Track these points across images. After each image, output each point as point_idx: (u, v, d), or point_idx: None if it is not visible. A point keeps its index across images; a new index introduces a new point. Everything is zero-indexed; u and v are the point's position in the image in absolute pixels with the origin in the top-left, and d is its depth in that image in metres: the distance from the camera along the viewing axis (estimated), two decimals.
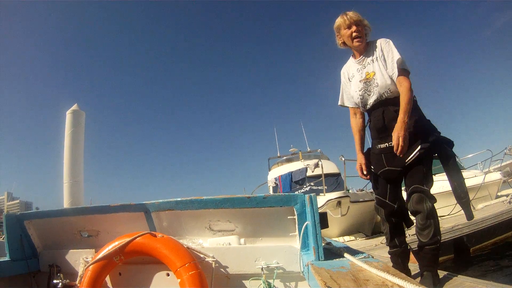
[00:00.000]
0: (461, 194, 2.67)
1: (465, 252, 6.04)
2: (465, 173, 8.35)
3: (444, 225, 5.89)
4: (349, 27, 2.70)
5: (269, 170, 13.66)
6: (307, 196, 1.85)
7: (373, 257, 1.83)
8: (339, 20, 2.76)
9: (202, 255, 2.06)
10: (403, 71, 2.53)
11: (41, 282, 2.47)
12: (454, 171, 2.70)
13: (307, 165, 10.12)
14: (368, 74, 2.69)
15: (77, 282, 2.21)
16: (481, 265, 5.79)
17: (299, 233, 1.91)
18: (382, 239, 6.89)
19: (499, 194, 9.55)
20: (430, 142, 2.54)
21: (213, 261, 2.04)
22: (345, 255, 1.84)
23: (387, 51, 2.60)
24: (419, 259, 2.72)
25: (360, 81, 2.73)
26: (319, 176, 8.95)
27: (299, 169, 10.57)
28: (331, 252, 2.02)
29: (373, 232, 9.66)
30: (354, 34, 2.69)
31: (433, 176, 2.68)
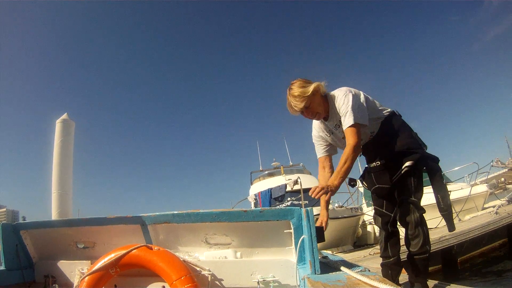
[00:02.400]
0: (444, 207, 2.65)
1: (452, 263, 6.02)
2: (452, 186, 8.38)
3: (432, 236, 5.85)
4: (301, 113, 2.58)
5: (251, 184, 13.52)
6: (303, 210, 1.81)
7: (369, 270, 1.79)
8: (290, 110, 2.61)
9: (198, 268, 2.00)
10: (351, 127, 2.43)
11: None
12: (438, 184, 2.67)
13: (289, 179, 10.03)
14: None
15: None
16: (468, 274, 5.78)
17: (296, 247, 1.86)
18: (370, 250, 6.87)
19: (485, 206, 9.56)
20: (414, 160, 2.52)
21: (209, 274, 1.98)
22: (342, 268, 1.79)
23: (342, 114, 2.49)
24: (409, 269, 2.69)
25: (343, 138, 2.65)
26: (299, 192, 8.91)
27: (279, 186, 10.53)
28: (328, 266, 1.97)
29: (357, 246, 9.67)
30: (310, 117, 2.63)
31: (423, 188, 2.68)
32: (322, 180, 2.82)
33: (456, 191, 8.84)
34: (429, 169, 2.66)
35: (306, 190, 9.39)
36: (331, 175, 2.73)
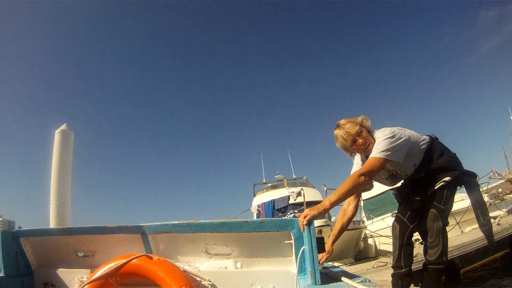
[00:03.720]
0: (484, 222, 2.66)
1: (455, 274, 5.98)
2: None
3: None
4: (353, 141, 2.54)
5: (254, 196, 13.48)
6: None
7: (370, 281, 1.76)
8: (340, 140, 2.58)
9: (198, 279, 1.97)
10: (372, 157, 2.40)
11: None
12: (477, 200, 2.68)
13: (292, 192, 9.89)
14: (390, 172, 2.69)
15: None
16: (471, 286, 5.73)
17: (296, 258, 1.83)
18: (374, 263, 6.82)
19: None
20: (453, 176, 2.52)
21: (209, 284, 1.95)
22: (343, 279, 1.78)
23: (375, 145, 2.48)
24: (422, 278, 2.65)
25: (386, 179, 2.74)
26: (302, 204, 8.85)
27: (282, 197, 10.49)
28: (328, 277, 1.95)
29: (358, 259, 9.61)
30: (362, 146, 2.55)
31: None
32: (343, 213, 2.78)
33: (457, 202, 8.79)
34: (467, 185, 2.65)
35: (309, 203, 9.43)
36: (354, 212, 2.79)
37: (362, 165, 2.63)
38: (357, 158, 2.78)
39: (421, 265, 2.65)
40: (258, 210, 10.74)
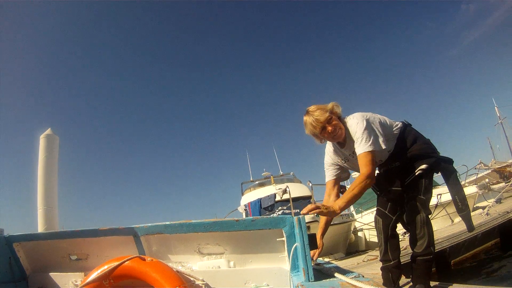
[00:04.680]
0: (462, 207, 2.63)
1: (446, 265, 6.00)
2: (441, 188, 8.42)
3: None
4: (323, 128, 2.44)
5: (242, 194, 13.35)
6: (295, 218, 1.77)
7: (363, 276, 1.75)
8: (309, 128, 2.48)
9: (192, 279, 1.96)
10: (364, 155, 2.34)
11: None
12: (454, 185, 2.66)
13: (279, 189, 9.77)
14: None
15: None
16: (462, 276, 5.75)
17: (289, 255, 1.82)
18: (364, 257, 6.83)
19: (475, 206, 9.59)
20: (429, 164, 2.50)
21: (203, 284, 1.94)
22: (336, 275, 1.76)
23: (355, 142, 2.40)
24: (412, 270, 2.62)
25: None
26: (289, 201, 8.81)
27: (268, 196, 10.35)
28: (321, 273, 1.94)
29: (348, 253, 9.60)
30: (332, 133, 2.46)
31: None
32: None
33: (446, 193, 8.85)
34: (444, 171, 2.64)
35: (296, 199, 9.38)
36: None
37: (338, 154, 2.65)
38: (329, 146, 2.72)
39: (409, 257, 2.63)
40: (245, 209, 10.64)
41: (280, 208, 9.48)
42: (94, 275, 1.95)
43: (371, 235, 10.33)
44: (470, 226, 2.75)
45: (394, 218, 2.70)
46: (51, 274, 2.28)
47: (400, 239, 2.85)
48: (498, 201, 9.49)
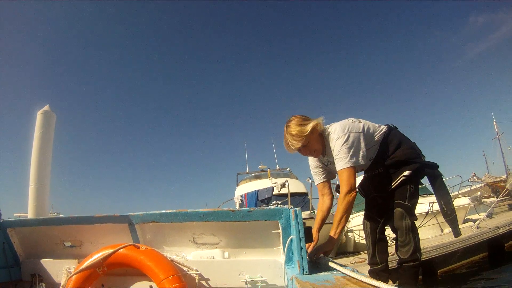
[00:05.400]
0: (448, 212, 2.59)
1: (432, 274, 6.00)
2: (433, 197, 8.43)
3: None
4: (299, 151, 2.46)
5: (237, 185, 13.21)
6: (292, 210, 1.75)
7: (358, 271, 1.74)
8: (285, 146, 2.49)
9: (185, 268, 1.94)
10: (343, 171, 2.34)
11: None
12: (440, 190, 2.61)
13: (275, 183, 9.66)
14: None
15: None
16: (448, 286, 5.75)
17: (284, 247, 1.80)
18: (352, 259, 6.81)
19: (466, 218, 9.60)
20: (412, 170, 2.45)
21: (196, 274, 1.92)
22: (330, 269, 1.75)
23: (334, 158, 2.40)
24: (398, 277, 2.59)
25: None
26: (286, 195, 8.71)
27: (266, 188, 10.17)
28: (316, 266, 1.92)
29: (337, 253, 9.56)
30: (306, 155, 2.54)
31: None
32: (320, 205, 2.73)
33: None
34: (429, 176, 2.60)
35: (293, 194, 9.27)
36: (331, 202, 2.70)
37: (319, 160, 2.65)
38: (323, 160, 2.68)
39: (396, 263, 2.60)
40: (241, 200, 10.53)
41: (274, 202, 9.37)
42: (87, 262, 1.93)
43: (361, 237, 10.33)
44: (456, 232, 2.71)
45: (382, 221, 2.67)
46: (44, 260, 2.25)
47: (389, 244, 2.82)
48: (489, 215, 9.52)
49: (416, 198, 2.52)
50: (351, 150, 2.33)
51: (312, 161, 2.73)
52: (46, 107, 4.22)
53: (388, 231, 2.74)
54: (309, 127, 2.37)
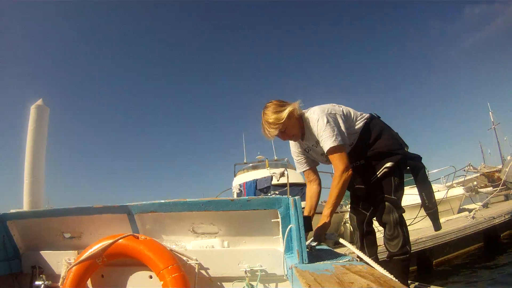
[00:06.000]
0: (429, 205, 2.54)
1: (427, 264, 5.98)
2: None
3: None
4: (278, 137, 2.45)
5: (235, 176, 13.08)
6: (291, 199, 1.74)
7: (358, 260, 1.73)
8: (262, 131, 2.44)
9: (185, 258, 1.93)
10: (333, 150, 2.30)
11: (23, 284, 2.30)
12: (422, 182, 2.56)
13: (273, 173, 9.49)
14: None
15: (59, 284, 2.06)
16: (443, 276, 5.74)
17: (283, 236, 1.79)
18: (346, 249, 6.75)
19: (462, 207, 9.55)
20: (395, 161, 2.41)
21: (196, 264, 1.91)
22: (330, 258, 1.74)
23: (320, 140, 2.35)
24: (389, 270, 2.56)
25: (322, 155, 2.53)
26: (284, 185, 8.58)
27: (264, 177, 10.10)
28: (315, 256, 1.91)
29: (337, 243, 9.49)
30: (285, 140, 2.51)
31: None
32: (309, 194, 2.69)
33: (435, 192, 8.71)
34: (412, 168, 2.55)
35: (292, 184, 9.21)
36: (319, 188, 2.68)
37: (300, 145, 2.62)
38: (303, 145, 2.64)
39: (386, 256, 2.57)
40: (239, 189, 10.40)
41: (273, 192, 9.28)
42: (87, 253, 1.92)
43: None
44: (437, 226, 2.66)
45: (368, 214, 2.63)
46: (44, 252, 2.24)
47: (376, 234, 2.79)
48: (485, 205, 9.50)
49: (401, 191, 2.49)
50: (335, 130, 2.29)
51: (294, 148, 2.69)
52: (40, 101, 4.19)
53: (376, 224, 2.71)
54: (285, 113, 2.33)
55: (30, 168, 3.92)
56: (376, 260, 2.65)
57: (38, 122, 3.90)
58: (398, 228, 2.42)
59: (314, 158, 2.66)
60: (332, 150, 2.26)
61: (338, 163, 2.26)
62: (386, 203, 2.43)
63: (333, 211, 2.28)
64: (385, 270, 1.65)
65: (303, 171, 2.71)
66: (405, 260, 2.45)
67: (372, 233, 2.72)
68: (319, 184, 2.69)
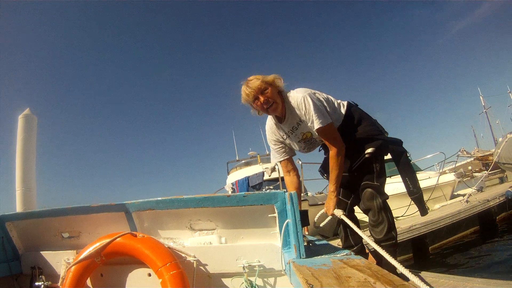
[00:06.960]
0: (413, 189, 2.52)
1: (423, 251, 5.96)
2: (420, 175, 8.29)
3: (402, 225, 5.77)
4: (255, 98, 2.29)
5: (228, 174, 13.06)
6: (287, 194, 1.73)
7: (355, 254, 1.72)
8: (243, 96, 2.33)
9: (183, 255, 1.92)
10: (326, 128, 2.28)
11: (23, 285, 2.29)
12: (405, 166, 2.54)
13: (265, 168, 9.51)
14: (304, 135, 2.47)
15: (59, 283, 2.05)
16: (439, 262, 5.72)
17: (280, 231, 1.78)
18: (339, 241, 6.73)
19: (455, 193, 9.53)
20: (375, 147, 2.39)
21: (194, 260, 1.90)
22: (327, 252, 1.73)
23: (307, 117, 2.31)
24: (376, 257, 2.52)
25: (299, 141, 2.52)
26: (277, 180, 8.56)
27: (256, 174, 10.02)
28: (313, 250, 1.90)
29: (334, 234, 9.50)
30: (264, 105, 2.30)
31: (387, 178, 2.55)
32: (290, 184, 2.64)
33: (424, 180, 8.73)
34: (393, 153, 2.53)
35: (282, 178, 9.12)
36: (298, 178, 2.65)
37: (278, 131, 2.55)
38: (269, 122, 2.59)
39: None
40: (232, 188, 10.34)
41: (266, 187, 9.24)
42: (85, 253, 1.91)
43: None
44: (423, 210, 2.64)
45: (349, 202, 2.61)
46: (43, 252, 2.23)
47: (359, 221, 2.78)
48: (480, 189, 9.47)
49: (384, 176, 2.47)
50: (323, 109, 2.28)
51: (270, 136, 2.62)
52: (27, 111, 4.17)
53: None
54: (270, 77, 2.30)
55: (21, 178, 3.89)
56: (362, 247, 2.65)
57: (27, 132, 3.88)
58: (382, 213, 2.39)
59: (292, 146, 2.61)
60: (327, 128, 2.26)
61: (333, 142, 2.28)
62: (369, 189, 2.41)
63: (337, 186, 2.34)
64: (392, 258, 1.64)
65: (281, 161, 2.64)
66: (392, 246, 2.41)
67: (355, 220, 2.69)
68: (298, 174, 2.66)
